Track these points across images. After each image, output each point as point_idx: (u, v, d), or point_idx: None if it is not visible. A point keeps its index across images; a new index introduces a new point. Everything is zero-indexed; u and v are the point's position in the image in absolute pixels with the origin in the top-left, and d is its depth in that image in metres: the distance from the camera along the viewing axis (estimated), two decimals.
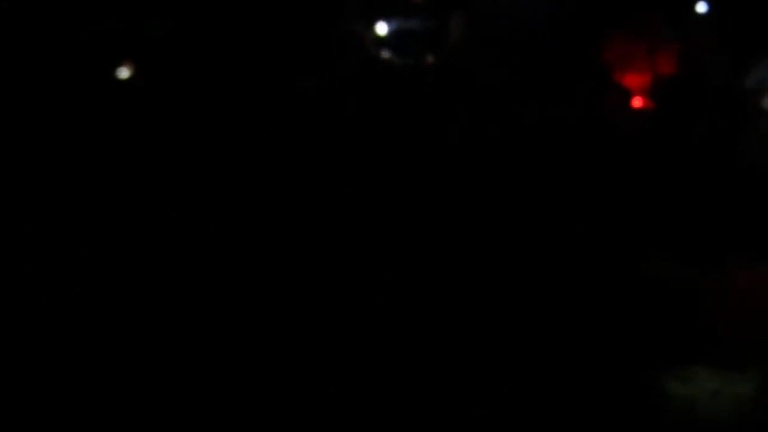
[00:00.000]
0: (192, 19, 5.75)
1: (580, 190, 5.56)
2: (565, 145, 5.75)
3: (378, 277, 4.99)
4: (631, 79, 6.06)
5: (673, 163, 5.70)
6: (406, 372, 4.42)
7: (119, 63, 5.66)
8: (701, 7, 6.10)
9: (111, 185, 5.35)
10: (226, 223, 5.25)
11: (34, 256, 4.96)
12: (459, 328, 4.69)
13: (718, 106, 5.93)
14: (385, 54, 5.96)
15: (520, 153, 5.68)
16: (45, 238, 5.07)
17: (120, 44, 5.65)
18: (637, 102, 6.05)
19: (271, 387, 4.36)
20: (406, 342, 4.62)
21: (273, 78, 5.74)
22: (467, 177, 5.55)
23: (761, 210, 5.41)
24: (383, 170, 5.56)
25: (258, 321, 4.77)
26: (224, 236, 5.17)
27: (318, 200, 5.38)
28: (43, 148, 5.39)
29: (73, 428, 4.15)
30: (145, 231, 5.18)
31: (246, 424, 4.20)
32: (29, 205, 5.20)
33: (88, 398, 4.26)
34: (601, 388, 4.36)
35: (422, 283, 4.96)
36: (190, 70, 5.68)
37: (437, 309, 4.82)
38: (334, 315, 4.78)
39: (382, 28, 5.95)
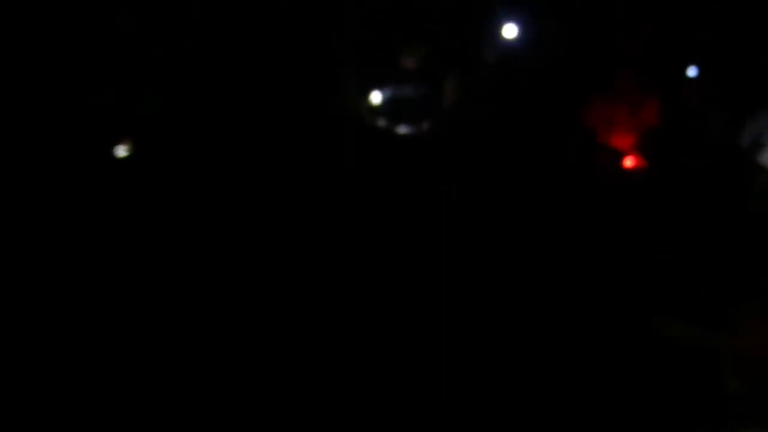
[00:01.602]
0: (189, 96, 5.75)
1: (583, 251, 5.53)
2: (564, 207, 5.74)
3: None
4: (619, 140, 6.05)
5: (673, 219, 5.68)
6: (406, 372, 4.41)
7: (117, 141, 5.64)
8: (692, 72, 6.11)
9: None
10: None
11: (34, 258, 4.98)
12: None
13: (715, 161, 5.93)
14: (381, 122, 5.95)
15: (520, 217, 5.67)
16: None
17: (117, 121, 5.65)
18: (629, 162, 6.03)
19: (271, 387, 4.34)
20: (406, 343, 4.61)
21: (270, 150, 5.73)
22: (469, 246, 5.53)
23: (764, 264, 5.39)
24: (383, 239, 5.55)
25: (258, 322, 4.77)
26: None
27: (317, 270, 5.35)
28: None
29: (73, 428, 4.07)
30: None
31: (246, 424, 4.16)
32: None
33: (88, 398, 4.21)
34: None
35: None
36: (188, 145, 5.67)
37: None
38: (333, 316, 4.75)
39: (376, 97, 5.95)
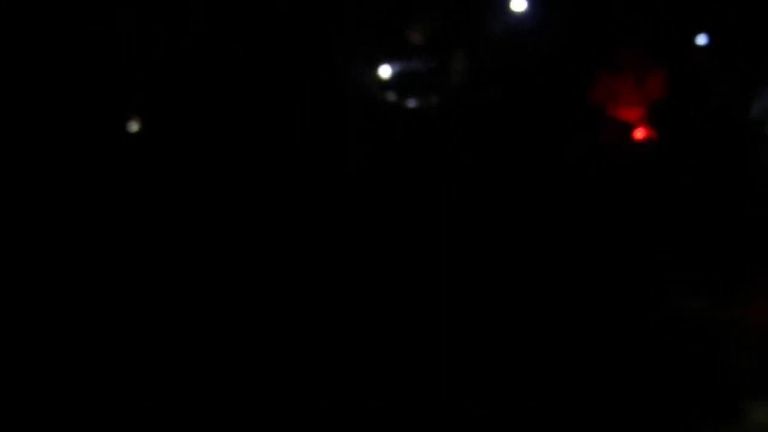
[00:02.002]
0: (196, 63, 5.74)
1: (592, 224, 5.55)
2: (573, 181, 5.74)
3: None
4: (627, 114, 6.05)
5: (681, 192, 5.69)
6: (406, 372, 4.45)
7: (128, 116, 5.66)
8: (701, 40, 6.08)
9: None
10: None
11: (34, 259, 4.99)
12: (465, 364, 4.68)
13: (724, 133, 5.91)
14: (390, 96, 5.96)
15: (531, 192, 5.67)
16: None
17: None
18: (639, 134, 6.03)
19: (271, 387, 4.37)
20: (405, 344, 4.64)
21: (279, 123, 5.73)
22: (475, 219, 5.55)
23: None
24: (390, 212, 5.56)
25: (257, 322, 4.77)
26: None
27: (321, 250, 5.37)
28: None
29: (73, 428, 4.13)
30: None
31: (246, 424, 4.20)
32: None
33: (88, 398, 4.25)
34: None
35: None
36: (193, 125, 5.67)
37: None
38: (333, 316, 4.77)
39: (385, 71, 5.95)
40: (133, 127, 5.67)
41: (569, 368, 4.66)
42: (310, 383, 4.43)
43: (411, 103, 5.97)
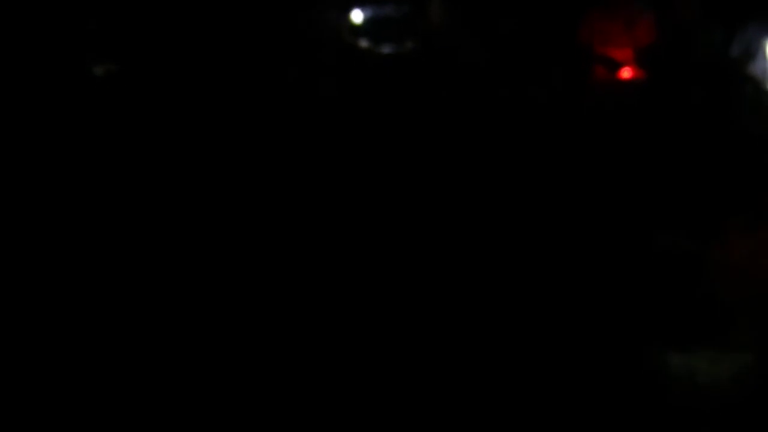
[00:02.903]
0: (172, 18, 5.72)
1: (576, 165, 5.51)
2: (557, 120, 5.72)
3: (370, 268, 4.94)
4: (615, 53, 6.01)
5: (665, 132, 5.64)
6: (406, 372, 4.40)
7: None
8: None
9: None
10: (217, 214, 5.21)
11: (31, 256, 4.95)
12: (457, 310, 4.64)
13: (707, 73, 5.87)
14: (363, 42, 5.90)
15: (514, 133, 5.64)
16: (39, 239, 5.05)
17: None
18: (625, 73, 6.00)
19: (271, 387, 4.32)
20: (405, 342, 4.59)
21: (252, 71, 5.70)
22: (459, 163, 5.51)
23: (755, 174, 5.35)
24: (372, 158, 5.51)
25: (257, 321, 4.71)
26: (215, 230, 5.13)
27: (309, 194, 5.32)
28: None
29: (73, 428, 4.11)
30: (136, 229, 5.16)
31: (246, 424, 4.16)
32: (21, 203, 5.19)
33: (88, 398, 4.22)
34: (601, 359, 4.29)
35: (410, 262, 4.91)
36: (172, 66, 5.65)
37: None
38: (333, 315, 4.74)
39: (357, 16, 5.89)
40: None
41: (558, 309, 4.64)
42: (308, 380, 4.39)
43: (384, 49, 5.92)
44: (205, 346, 4.49)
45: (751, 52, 5.80)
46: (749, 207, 5.20)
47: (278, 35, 5.74)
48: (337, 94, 5.70)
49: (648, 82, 6.01)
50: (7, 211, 5.10)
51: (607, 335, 4.42)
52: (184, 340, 4.54)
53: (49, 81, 5.57)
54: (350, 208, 5.22)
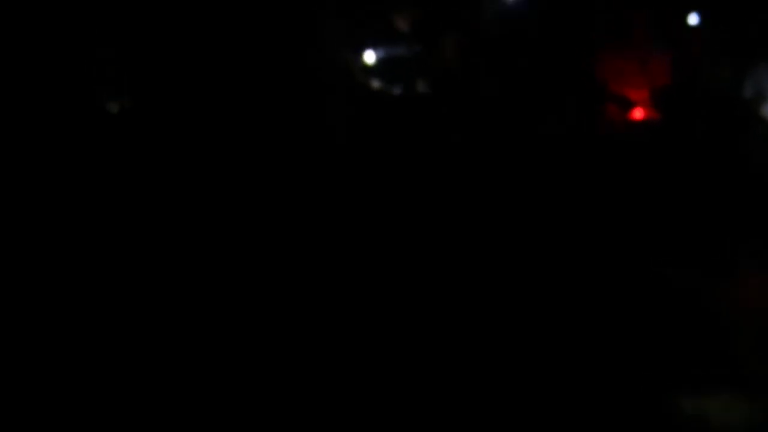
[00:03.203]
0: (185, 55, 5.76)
1: (588, 200, 5.54)
2: (569, 157, 5.73)
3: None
4: (629, 92, 6.05)
5: (677, 171, 5.66)
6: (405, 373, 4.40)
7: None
8: (693, 19, 6.08)
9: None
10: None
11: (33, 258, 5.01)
12: (461, 330, 4.66)
13: (719, 114, 5.89)
14: (375, 83, 5.93)
15: (525, 167, 5.66)
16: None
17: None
18: (638, 113, 6.02)
19: (271, 387, 4.33)
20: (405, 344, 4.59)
21: (262, 112, 5.72)
22: (471, 193, 5.52)
23: (765, 215, 5.36)
24: (380, 198, 5.53)
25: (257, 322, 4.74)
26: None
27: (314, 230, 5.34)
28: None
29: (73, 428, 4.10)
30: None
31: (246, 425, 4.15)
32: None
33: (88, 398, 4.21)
34: (610, 396, 4.27)
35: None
36: (183, 105, 5.68)
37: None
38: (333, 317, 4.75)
39: (369, 57, 5.92)
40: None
41: (564, 337, 4.63)
42: (308, 381, 4.40)
43: (396, 90, 5.95)
44: (205, 346, 4.55)
45: (763, 94, 5.83)
46: (762, 244, 5.21)
47: (289, 75, 5.76)
48: (348, 137, 5.72)
49: (662, 122, 6.03)
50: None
51: (617, 377, 4.40)
52: (184, 341, 4.59)
53: (62, 117, 5.58)
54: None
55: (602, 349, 4.54)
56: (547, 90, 5.99)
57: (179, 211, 5.39)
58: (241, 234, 5.28)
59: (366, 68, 5.94)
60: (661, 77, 6.07)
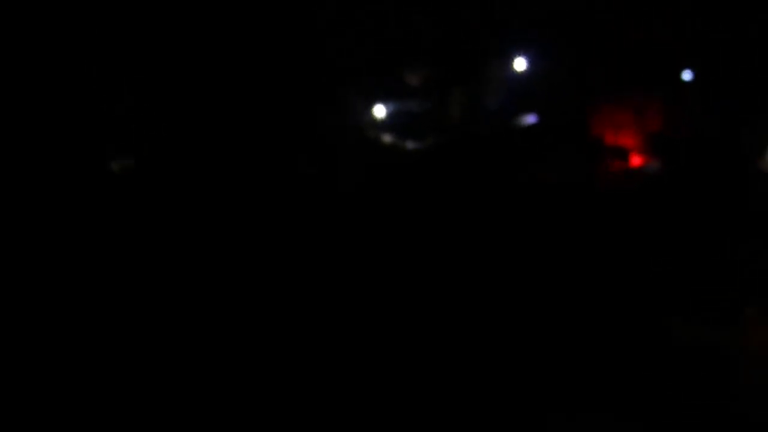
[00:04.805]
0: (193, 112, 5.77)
1: (593, 250, 5.60)
2: (571, 207, 5.84)
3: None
4: (625, 141, 6.19)
5: (681, 219, 5.77)
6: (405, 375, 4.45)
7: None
8: (687, 75, 6.22)
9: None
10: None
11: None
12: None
13: (717, 163, 6.02)
14: (386, 137, 6.00)
15: (531, 220, 5.75)
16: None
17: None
18: (636, 160, 6.17)
19: (271, 388, 4.37)
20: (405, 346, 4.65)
21: (274, 166, 5.75)
22: (476, 250, 5.60)
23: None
24: (390, 249, 5.60)
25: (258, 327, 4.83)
26: None
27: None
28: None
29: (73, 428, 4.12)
30: None
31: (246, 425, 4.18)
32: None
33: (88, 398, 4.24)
34: None
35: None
36: (191, 163, 5.69)
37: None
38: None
39: (380, 111, 6.00)
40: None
41: (572, 388, 4.68)
42: (309, 384, 4.45)
43: (408, 144, 6.02)
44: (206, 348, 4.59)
45: (761, 143, 5.97)
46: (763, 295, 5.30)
47: (302, 129, 5.81)
48: (359, 191, 5.78)
49: (659, 168, 6.18)
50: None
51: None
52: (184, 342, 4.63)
53: (66, 178, 5.58)
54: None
55: (608, 410, 4.60)
56: (548, 141, 6.11)
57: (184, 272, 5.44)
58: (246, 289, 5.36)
59: (377, 122, 6.01)
60: (654, 125, 6.23)
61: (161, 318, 5.07)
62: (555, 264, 5.50)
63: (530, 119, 6.15)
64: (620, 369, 4.83)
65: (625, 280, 5.42)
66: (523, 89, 6.16)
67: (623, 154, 6.15)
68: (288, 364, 4.76)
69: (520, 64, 6.18)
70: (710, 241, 5.59)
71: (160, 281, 5.28)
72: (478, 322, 5.11)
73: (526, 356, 4.91)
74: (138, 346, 4.90)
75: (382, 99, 6.01)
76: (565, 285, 5.36)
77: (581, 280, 5.40)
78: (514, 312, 5.20)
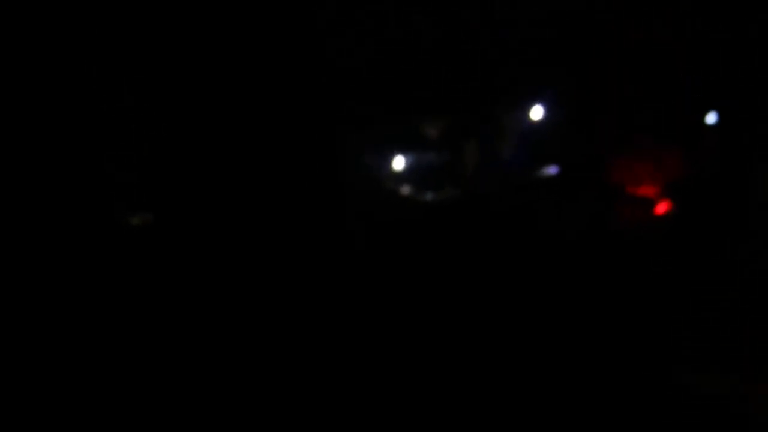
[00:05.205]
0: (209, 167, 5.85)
1: (612, 297, 5.58)
2: (592, 258, 5.82)
3: None
4: (646, 190, 6.16)
5: (699, 268, 5.72)
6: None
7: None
8: (711, 118, 6.19)
9: None
10: None
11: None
12: None
13: (738, 208, 5.98)
14: (404, 190, 6.03)
15: (550, 272, 5.74)
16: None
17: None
18: (660, 208, 6.13)
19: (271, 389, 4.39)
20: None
21: (290, 218, 5.80)
22: (493, 300, 5.61)
23: None
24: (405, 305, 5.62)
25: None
26: None
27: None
28: None
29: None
30: None
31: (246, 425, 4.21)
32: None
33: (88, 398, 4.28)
34: None
35: None
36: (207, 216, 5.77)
37: None
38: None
39: (398, 163, 6.03)
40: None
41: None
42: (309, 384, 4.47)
43: (427, 196, 6.05)
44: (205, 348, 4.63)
45: None
46: None
47: (318, 182, 5.85)
48: (378, 245, 5.81)
49: (680, 216, 6.14)
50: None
51: None
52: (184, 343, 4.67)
53: (82, 232, 5.61)
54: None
55: None
56: (566, 194, 6.11)
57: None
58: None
59: (395, 174, 6.05)
60: (674, 172, 6.20)
61: (162, 318, 5.15)
62: (572, 312, 5.49)
63: (551, 170, 6.15)
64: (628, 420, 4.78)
65: (644, 327, 5.39)
66: (538, 138, 6.16)
67: (644, 203, 6.11)
68: (289, 364, 4.78)
69: (536, 112, 6.19)
70: (729, 288, 5.53)
71: (161, 281, 5.35)
72: (486, 378, 5.10)
73: (534, 411, 4.87)
74: (138, 346, 4.96)
75: (401, 150, 6.05)
76: (579, 331, 5.36)
77: (594, 327, 5.39)
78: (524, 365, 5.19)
